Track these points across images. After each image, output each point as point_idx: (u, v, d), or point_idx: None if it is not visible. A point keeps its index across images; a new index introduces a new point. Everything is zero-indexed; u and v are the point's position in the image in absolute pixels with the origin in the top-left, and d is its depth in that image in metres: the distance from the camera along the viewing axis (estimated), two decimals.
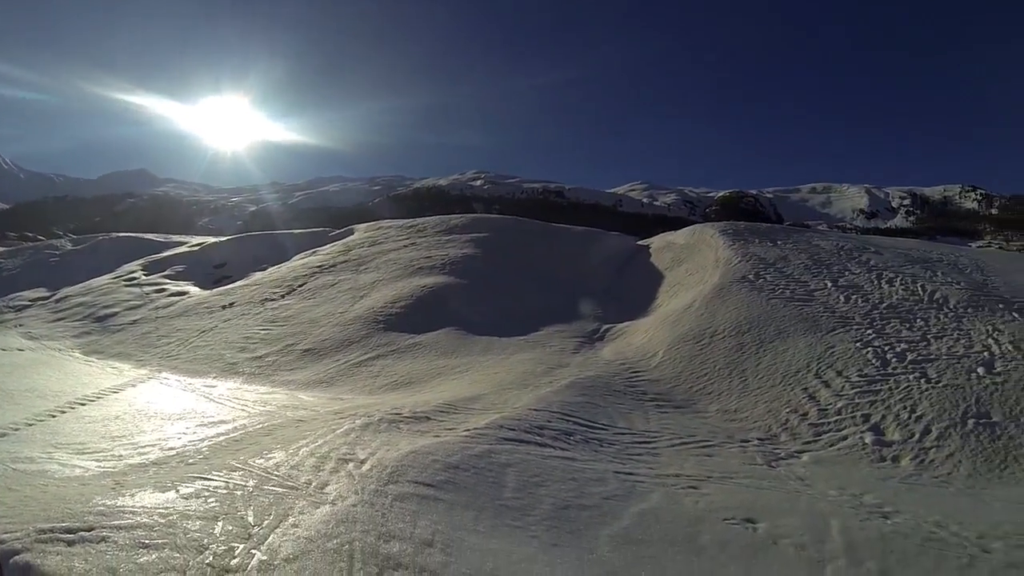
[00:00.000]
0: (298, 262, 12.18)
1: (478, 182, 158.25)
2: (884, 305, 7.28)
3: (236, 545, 2.26)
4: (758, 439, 4.73)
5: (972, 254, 10.98)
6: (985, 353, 5.75)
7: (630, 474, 3.69)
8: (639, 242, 13.33)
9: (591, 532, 2.82)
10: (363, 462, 3.33)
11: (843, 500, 3.40)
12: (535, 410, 4.70)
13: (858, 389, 5.26)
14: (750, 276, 8.31)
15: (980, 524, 2.98)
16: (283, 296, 9.98)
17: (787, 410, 5.11)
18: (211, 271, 13.06)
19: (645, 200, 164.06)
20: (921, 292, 7.69)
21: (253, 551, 2.22)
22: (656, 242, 12.32)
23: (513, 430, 4.15)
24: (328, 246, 13.19)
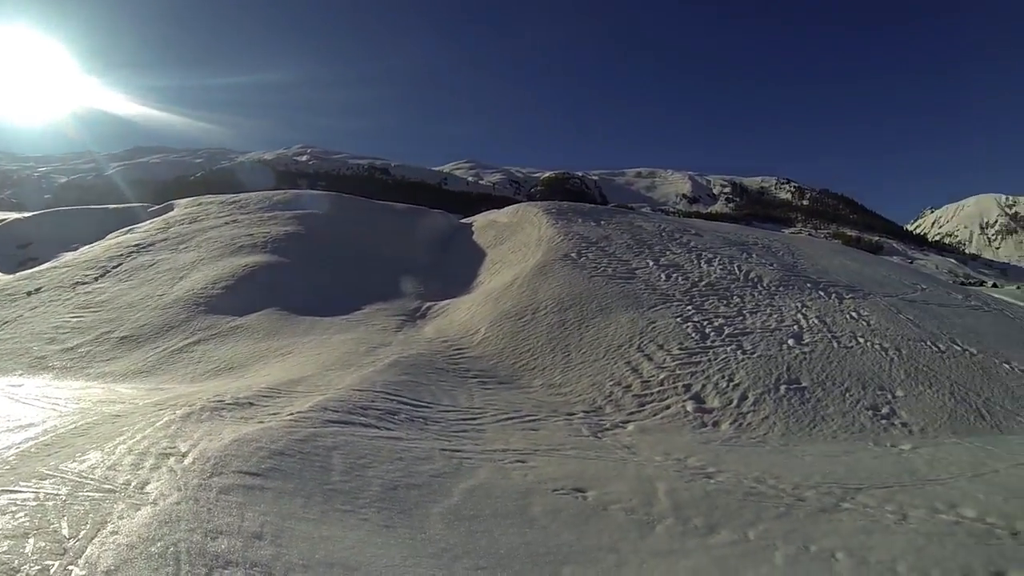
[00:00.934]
0: (113, 241, 18.52)
1: (304, 157, 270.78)
2: (703, 283, 12.50)
3: (50, 563, 3.34)
4: (583, 412, 8.11)
5: (785, 239, 19.27)
6: (795, 327, 10.89)
7: (457, 451, 6.08)
8: (462, 220, 22.45)
9: (422, 511, 4.76)
10: (185, 455, 5.13)
11: (668, 464, 6.36)
12: (359, 390, 7.71)
13: (679, 361, 9.36)
14: (572, 254, 13.92)
15: (794, 477, 6.05)
16: (97, 279, 15.38)
17: (611, 383, 8.86)
18: (14, 252, 19.51)
19: (471, 179, 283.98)
20: (738, 272, 13.42)
21: (70, 567, 3.31)
22: (479, 220, 21.17)
23: (337, 412, 6.70)
24: (146, 223, 20.46)
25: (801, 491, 5.75)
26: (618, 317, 10.74)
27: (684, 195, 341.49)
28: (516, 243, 16.45)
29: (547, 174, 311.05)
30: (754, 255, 15.21)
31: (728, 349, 9.78)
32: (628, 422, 7.80)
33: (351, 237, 18.82)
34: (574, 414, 7.94)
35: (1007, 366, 11.27)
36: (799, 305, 11.92)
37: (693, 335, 10.16)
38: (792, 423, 8.14)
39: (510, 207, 21.30)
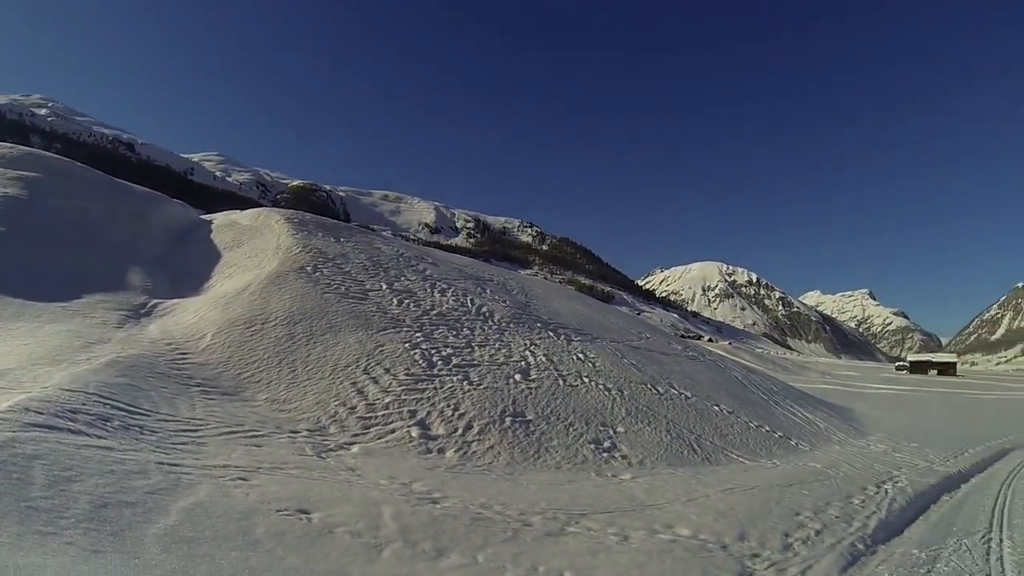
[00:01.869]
0: None
1: (43, 111, 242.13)
2: (435, 312, 12.73)
3: None
4: (307, 430, 7.90)
5: (520, 279, 20.34)
6: (523, 363, 11.43)
7: (175, 465, 5.52)
8: (203, 216, 22.07)
9: (136, 532, 4.20)
10: None
11: (394, 488, 6.34)
12: (68, 391, 6.88)
13: (405, 387, 9.47)
14: (308, 268, 13.81)
15: (521, 503, 6.63)
16: None
17: (336, 403, 8.73)
18: None
19: (218, 173, 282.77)
20: (470, 304, 13.89)
21: None
22: (220, 219, 20.68)
23: (41, 414, 5.92)
24: None
25: (527, 517, 5.98)
26: (347, 337, 10.77)
27: (427, 224, 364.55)
28: (254, 248, 16.06)
29: (296, 182, 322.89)
30: (488, 290, 15.92)
31: (455, 379, 10.07)
32: (352, 444, 7.75)
33: (80, 213, 16.58)
34: (298, 432, 7.76)
35: (717, 408, 12.84)
36: (528, 343, 12.65)
37: (420, 362, 10.33)
38: (517, 453, 8.51)
39: (253, 210, 21.13)
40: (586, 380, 11.67)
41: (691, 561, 5.42)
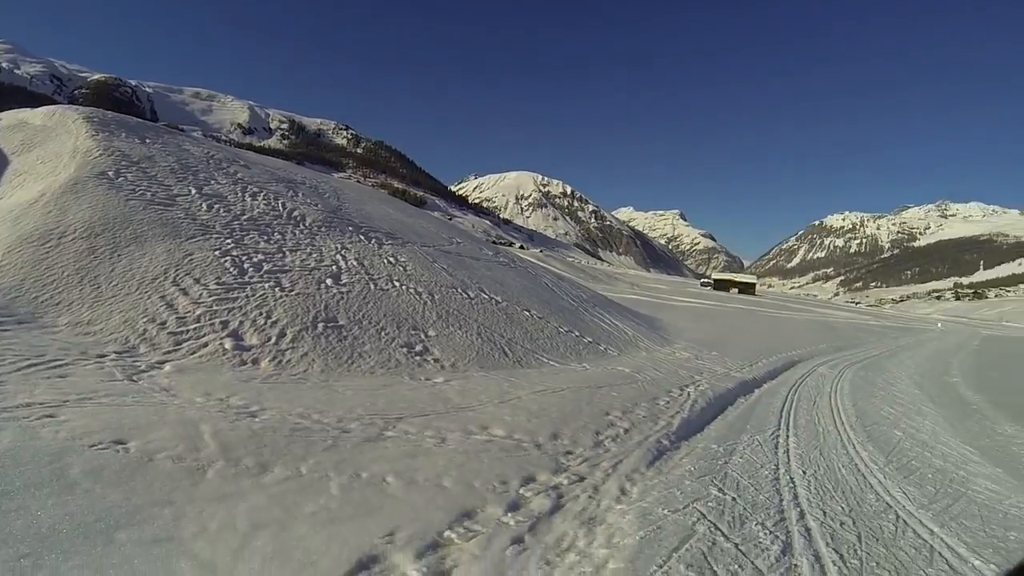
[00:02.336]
0: None
1: None
2: (245, 217, 12.07)
3: None
4: (116, 352, 7.35)
5: (333, 182, 19.64)
6: (334, 267, 11.16)
7: None
8: None
9: None
10: None
11: (210, 405, 6.08)
12: None
13: (216, 297, 8.97)
14: (110, 172, 12.46)
15: (338, 410, 6.55)
16: None
17: (144, 319, 8.14)
18: None
19: (5, 64, 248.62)
20: (282, 208, 13.31)
21: None
22: (7, 119, 18.13)
23: None
24: None
25: (346, 424, 5.94)
26: (154, 247, 9.94)
27: (240, 124, 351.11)
28: (48, 152, 14.06)
29: (97, 76, 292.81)
30: (300, 194, 15.30)
31: (267, 286, 9.70)
32: (165, 362, 7.28)
33: None
34: (106, 356, 7.15)
35: (527, 313, 13.23)
36: (339, 247, 12.39)
37: (231, 270, 9.83)
38: (331, 360, 8.42)
39: (46, 108, 18.11)
40: (397, 284, 11.67)
41: (507, 460, 5.61)
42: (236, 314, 8.71)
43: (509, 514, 4.53)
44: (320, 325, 9.13)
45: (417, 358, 9.32)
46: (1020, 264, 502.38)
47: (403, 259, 13.15)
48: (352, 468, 4.82)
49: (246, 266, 10.11)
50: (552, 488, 5.17)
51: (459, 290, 12.77)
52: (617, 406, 8.33)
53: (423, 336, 10.09)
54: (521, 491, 4.97)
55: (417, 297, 11.42)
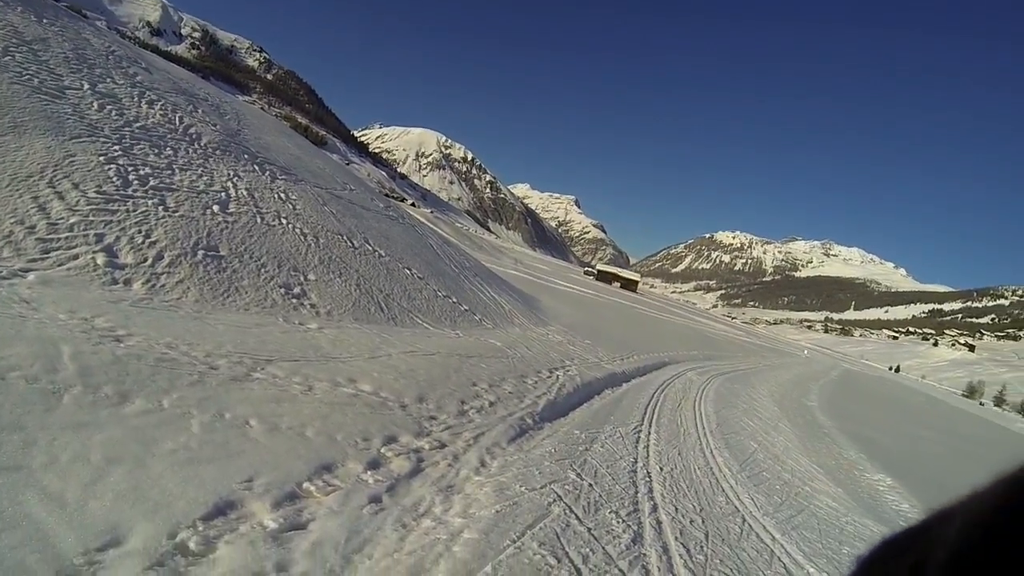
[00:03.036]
0: None
1: None
2: (138, 125, 11.24)
3: None
4: None
5: (237, 105, 18.63)
6: (223, 194, 10.65)
7: None
8: None
9: None
10: None
11: (74, 324, 5.64)
12: None
13: (94, 206, 8.28)
14: None
15: (207, 345, 6.27)
16: None
17: (12, 220, 7.31)
18: None
19: None
20: (178, 123, 12.50)
21: None
22: None
23: None
24: None
25: (214, 359, 5.72)
26: (33, 141, 8.88)
27: (149, 23, 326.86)
28: None
29: None
30: (200, 111, 14.35)
31: (150, 203, 9.04)
32: (29, 271, 6.60)
33: None
34: None
35: (408, 271, 13.16)
36: (232, 173, 11.80)
37: (115, 179, 9.06)
38: (207, 291, 8.06)
39: None
40: (284, 222, 11.29)
41: (372, 416, 5.61)
42: (113, 228, 8.05)
43: (369, 472, 4.57)
44: (200, 252, 8.68)
45: (294, 301, 9.10)
46: (886, 311, 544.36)
47: (294, 197, 12.70)
48: (216, 407, 4.66)
49: (131, 178, 9.35)
50: (413, 451, 5.23)
51: (345, 237, 12.51)
52: (485, 378, 8.45)
53: (303, 279, 9.84)
54: (383, 450, 5.01)
55: (302, 238, 11.09)
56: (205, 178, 10.90)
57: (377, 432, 5.29)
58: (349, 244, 12.33)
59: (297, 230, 11.26)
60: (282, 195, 12.40)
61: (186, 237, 8.80)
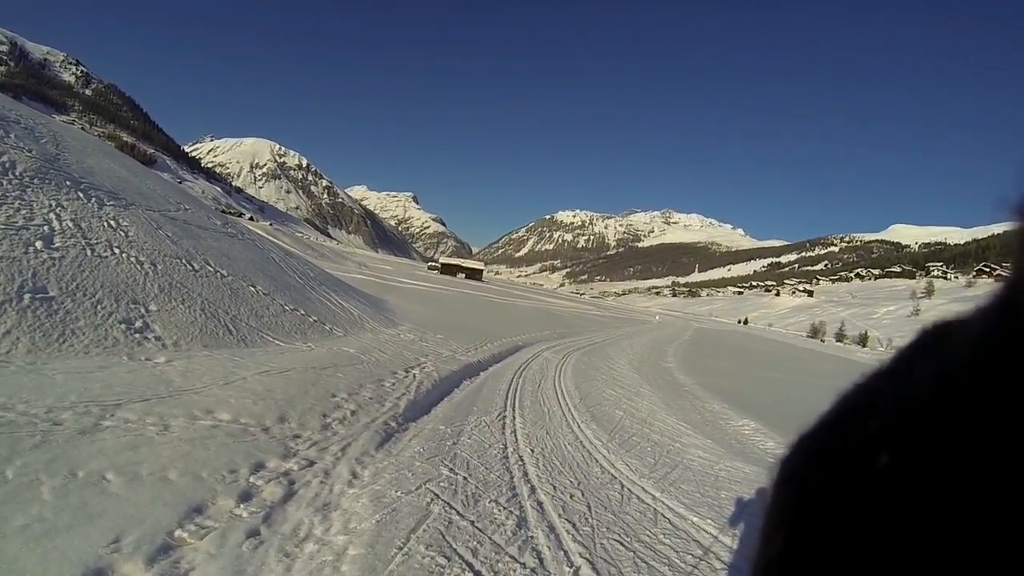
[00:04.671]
0: None
1: None
2: None
3: None
4: None
5: (54, 126, 16.97)
6: (46, 227, 9.71)
7: None
8: None
9: None
10: None
11: None
12: None
13: None
14: None
15: (47, 399, 5.67)
16: None
17: None
18: None
19: None
20: None
21: None
22: None
23: None
24: None
25: (57, 414, 5.20)
26: None
27: None
28: None
29: None
30: (12, 135, 12.88)
31: None
32: None
33: None
34: None
35: (253, 289, 12.63)
36: (54, 203, 10.71)
37: None
38: (39, 338, 7.33)
39: None
40: (117, 252, 10.42)
41: (235, 446, 5.33)
42: None
43: (242, 505, 4.35)
44: (27, 296, 7.86)
45: (137, 336, 8.46)
46: (728, 269, 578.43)
47: (125, 223, 11.76)
48: (67, 467, 4.24)
49: None
50: (283, 475, 5.04)
51: (184, 261, 11.77)
52: (343, 387, 8.24)
53: (144, 311, 9.19)
54: (252, 479, 4.79)
55: (139, 267, 10.32)
56: (24, 212, 9.84)
57: (243, 461, 5.03)
58: (189, 267, 11.63)
59: (132, 259, 10.47)
60: (112, 222, 11.46)
61: (8, 281, 7.93)
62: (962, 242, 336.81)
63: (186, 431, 5.43)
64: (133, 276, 9.95)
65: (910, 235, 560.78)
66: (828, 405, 0.47)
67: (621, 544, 4.85)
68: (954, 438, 0.34)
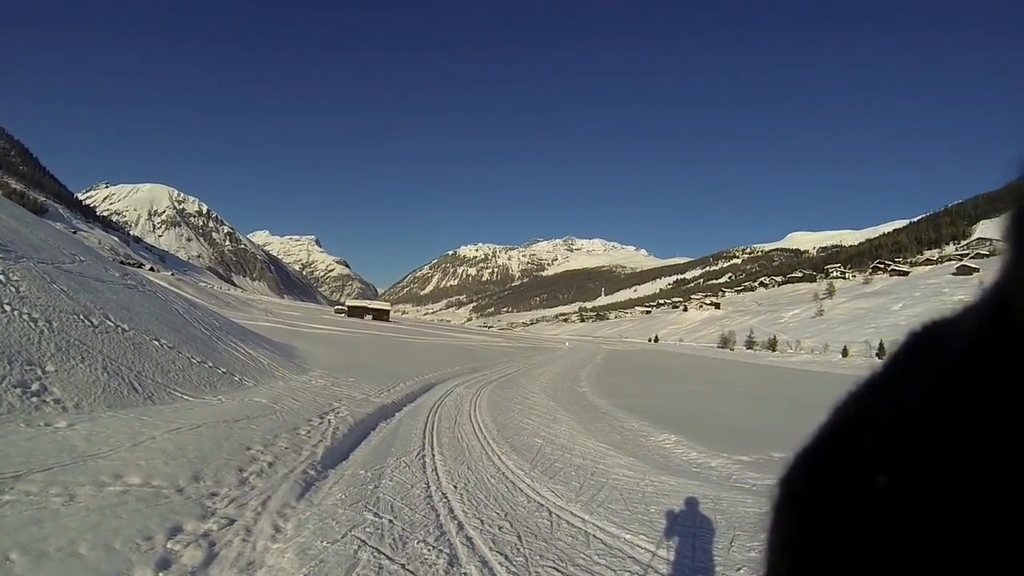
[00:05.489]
0: None
1: None
2: None
3: None
4: None
5: None
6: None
7: None
8: None
9: None
10: None
11: None
12: None
13: None
14: None
15: None
16: None
17: None
18: None
19: None
20: None
21: None
22: None
23: None
24: None
25: None
26: None
27: None
28: None
29: None
30: None
31: None
32: None
33: None
34: None
35: (157, 343, 12.11)
36: None
37: None
38: None
39: None
40: (8, 309, 9.83)
41: (148, 511, 5.04)
42: None
43: (161, 574, 4.11)
44: None
45: (35, 400, 7.92)
46: (635, 290, 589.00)
47: (16, 278, 11.09)
48: None
49: None
50: (202, 536, 4.81)
51: (82, 316, 11.17)
52: (258, 439, 7.98)
53: (40, 372, 8.64)
54: (169, 545, 4.55)
55: (32, 325, 9.73)
56: None
57: (158, 527, 4.76)
58: (88, 323, 11.04)
59: (25, 316, 9.87)
60: (1, 277, 10.81)
61: None
62: (856, 243, 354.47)
63: (94, 499, 5.10)
64: (27, 335, 9.37)
65: (807, 241, 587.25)
66: (823, 419, 0.45)
67: (556, 570, 4.86)
68: (952, 453, 0.33)
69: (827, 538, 0.39)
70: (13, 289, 10.61)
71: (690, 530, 6.09)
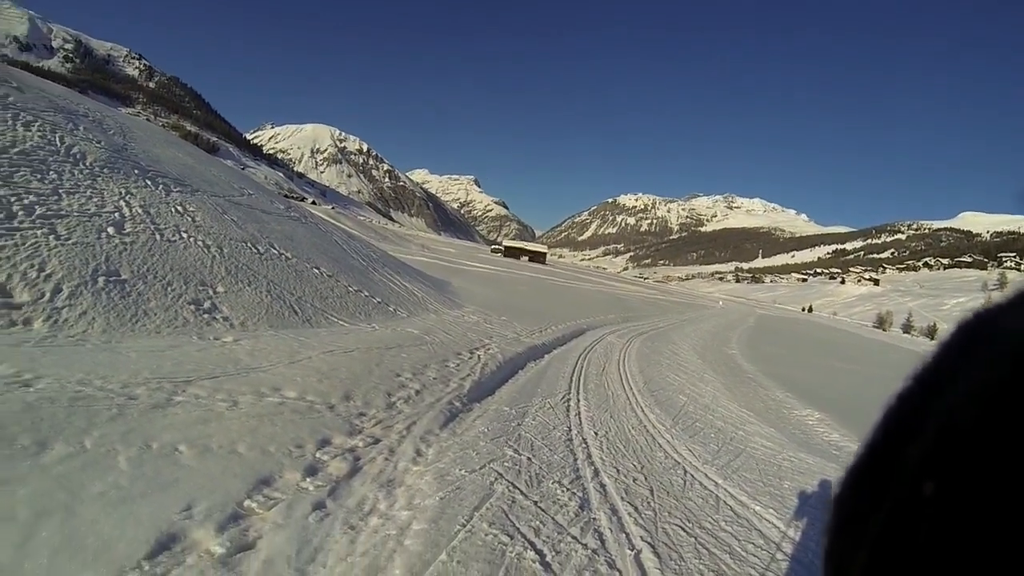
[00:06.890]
0: None
1: None
2: (16, 150, 10.44)
3: None
4: None
5: (120, 118, 17.64)
6: (116, 214, 10.08)
7: None
8: None
9: None
10: None
11: None
12: None
13: None
14: None
15: (122, 375, 5.94)
16: None
17: None
18: None
19: None
20: (59, 143, 11.71)
21: None
22: None
23: None
24: None
25: (131, 389, 5.41)
26: None
27: (17, 38, 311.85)
28: None
29: None
30: (82, 128, 13.35)
31: (39, 233, 8.37)
32: None
33: None
34: None
35: (317, 270, 12.86)
36: (123, 191, 11.10)
37: None
38: (113, 319, 7.61)
39: None
40: (185, 236, 10.77)
41: (301, 422, 5.46)
42: (3, 266, 7.45)
43: (308, 479, 4.46)
44: (101, 279, 8.16)
45: (206, 316, 8.72)
46: (792, 256, 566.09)
47: (192, 209, 12.14)
48: (141, 439, 4.41)
49: (15, 209, 8.58)
50: (348, 451, 5.13)
51: (249, 244, 12.09)
52: (407, 367, 8.34)
53: (211, 292, 9.46)
54: (318, 455, 4.90)
55: (206, 251, 10.63)
56: (96, 200, 10.22)
57: (309, 437, 5.15)
58: (254, 250, 11.93)
59: (199, 243, 10.79)
60: (179, 208, 11.83)
61: (83, 265, 8.26)
62: None
63: (254, 407, 5.59)
64: (201, 259, 10.25)
65: (981, 223, 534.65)
66: (873, 426, 0.44)
67: (683, 529, 4.81)
68: (1005, 469, 0.30)
69: (879, 563, 0.37)
70: (190, 219, 11.58)
71: (822, 515, 5.84)
